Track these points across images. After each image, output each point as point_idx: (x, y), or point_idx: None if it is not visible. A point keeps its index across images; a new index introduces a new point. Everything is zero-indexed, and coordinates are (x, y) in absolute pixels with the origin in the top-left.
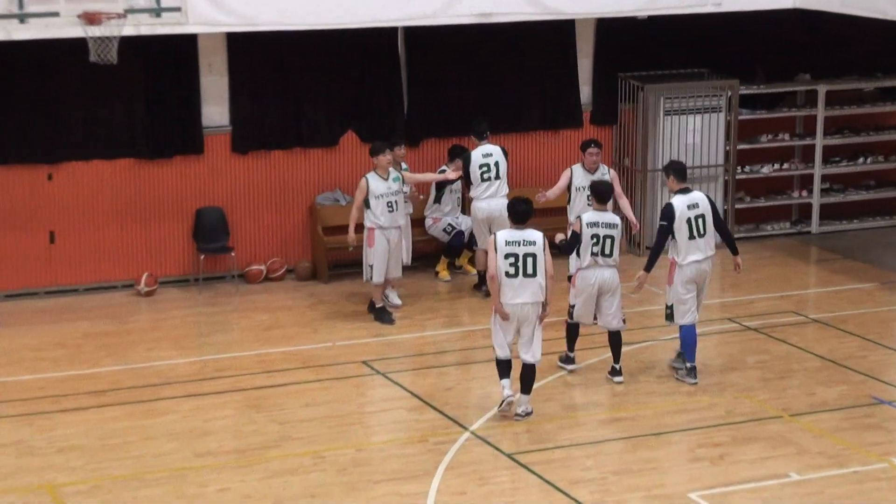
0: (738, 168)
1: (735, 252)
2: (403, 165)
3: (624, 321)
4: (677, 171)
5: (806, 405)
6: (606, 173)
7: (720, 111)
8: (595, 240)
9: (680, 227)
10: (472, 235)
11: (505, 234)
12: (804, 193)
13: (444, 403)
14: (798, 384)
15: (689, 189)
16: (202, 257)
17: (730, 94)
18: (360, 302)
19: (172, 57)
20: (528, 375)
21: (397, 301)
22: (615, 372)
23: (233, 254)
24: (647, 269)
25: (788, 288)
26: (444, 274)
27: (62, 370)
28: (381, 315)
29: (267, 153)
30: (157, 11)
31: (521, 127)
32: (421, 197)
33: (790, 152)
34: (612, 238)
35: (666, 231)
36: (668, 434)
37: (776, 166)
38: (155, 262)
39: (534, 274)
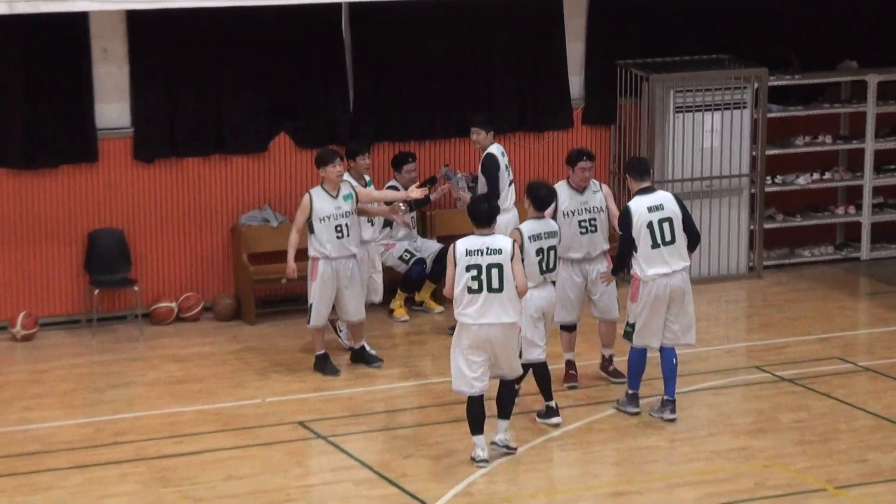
0: (768, 178)
1: (692, 251)
2: (367, 179)
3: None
4: (633, 169)
5: (856, 475)
6: (598, 190)
7: (745, 107)
8: (540, 255)
9: (639, 234)
10: (435, 264)
11: (465, 243)
12: (851, 210)
13: (400, 475)
14: (845, 448)
15: (653, 189)
16: (96, 292)
17: (757, 85)
18: (297, 348)
19: (58, 41)
20: (506, 395)
21: (371, 353)
22: (552, 412)
23: (135, 288)
24: (614, 272)
25: (832, 328)
26: (401, 312)
27: None
28: (323, 364)
29: (178, 161)
30: None
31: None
32: (410, 217)
33: (833, 158)
34: (555, 248)
35: (626, 239)
36: None
37: (815, 176)
38: (35, 298)
39: (500, 288)
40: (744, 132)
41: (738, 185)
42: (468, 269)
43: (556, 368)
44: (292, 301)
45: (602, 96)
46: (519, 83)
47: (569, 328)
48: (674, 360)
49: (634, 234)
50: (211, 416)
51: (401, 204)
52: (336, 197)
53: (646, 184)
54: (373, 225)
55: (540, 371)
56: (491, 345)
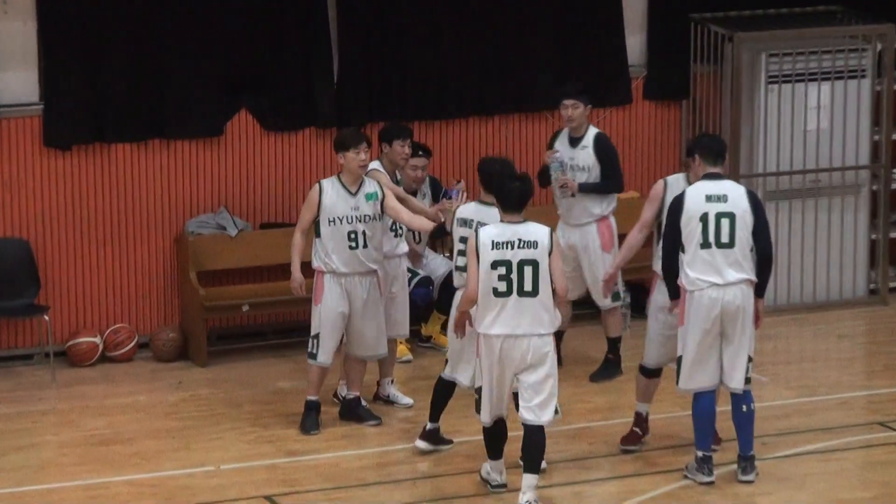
0: None
1: (759, 293)
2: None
3: (557, 411)
4: (706, 149)
5: None
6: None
7: (863, 76)
8: (504, 269)
9: (688, 227)
10: (443, 290)
11: (492, 232)
12: None
13: None
14: None
15: (721, 176)
16: None
17: (880, 47)
18: (263, 398)
19: None
20: (534, 444)
21: (405, 400)
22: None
23: (46, 317)
24: (671, 296)
25: None
26: (402, 350)
27: None
28: (308, 415)
29: (104, 149)
30: None
31: (528, 104)
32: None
33: None
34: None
35: (672, 235)
36: None
37: None
38: None
39: (534, 291)
40: (862, 110)
41: (854, 181)
42: (494, 265)
43: (616, 424)
44: (257, 335)
45: (670, 62)
46: (558, 46)
47: (652, 373)
48: (744, 405)
49: (683, 226)
50: (148, 488)
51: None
52: (355, 194)
53: (716, 169)
54: (397, 236)
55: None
56: (518, 363)
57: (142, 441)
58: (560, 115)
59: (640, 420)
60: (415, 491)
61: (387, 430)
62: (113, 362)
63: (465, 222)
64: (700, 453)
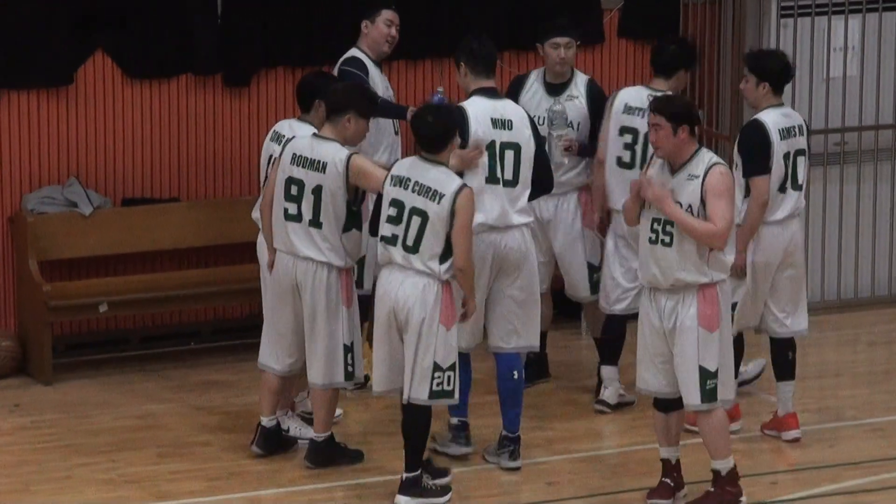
0: None
1: None
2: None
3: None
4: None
5: None
6: (698, 172)
7: None
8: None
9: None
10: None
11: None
12: None
13: None
14: None
15: (496, 92)
16: None
17: None
18: (129, 425)
19: None
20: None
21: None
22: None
23: None
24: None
25: None
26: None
27: None
28: (342, 450)
29: None
30: None
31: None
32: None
33: None
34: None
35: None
36: None
37: None
38: None
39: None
40: None
41: (890, 143)
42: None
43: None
44: (118, 343)
45: None
46: None
47: (665, 405)
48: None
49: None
50: None
51: None
52: None
53: (489, 83)
54: None
55: None
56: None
57: None
58: (545, 57)
59: (671, 469)
60: None
61: (282, 464)
62: None
63: (401, 181)
64: None
